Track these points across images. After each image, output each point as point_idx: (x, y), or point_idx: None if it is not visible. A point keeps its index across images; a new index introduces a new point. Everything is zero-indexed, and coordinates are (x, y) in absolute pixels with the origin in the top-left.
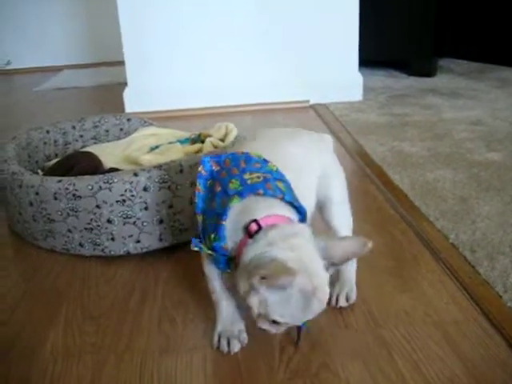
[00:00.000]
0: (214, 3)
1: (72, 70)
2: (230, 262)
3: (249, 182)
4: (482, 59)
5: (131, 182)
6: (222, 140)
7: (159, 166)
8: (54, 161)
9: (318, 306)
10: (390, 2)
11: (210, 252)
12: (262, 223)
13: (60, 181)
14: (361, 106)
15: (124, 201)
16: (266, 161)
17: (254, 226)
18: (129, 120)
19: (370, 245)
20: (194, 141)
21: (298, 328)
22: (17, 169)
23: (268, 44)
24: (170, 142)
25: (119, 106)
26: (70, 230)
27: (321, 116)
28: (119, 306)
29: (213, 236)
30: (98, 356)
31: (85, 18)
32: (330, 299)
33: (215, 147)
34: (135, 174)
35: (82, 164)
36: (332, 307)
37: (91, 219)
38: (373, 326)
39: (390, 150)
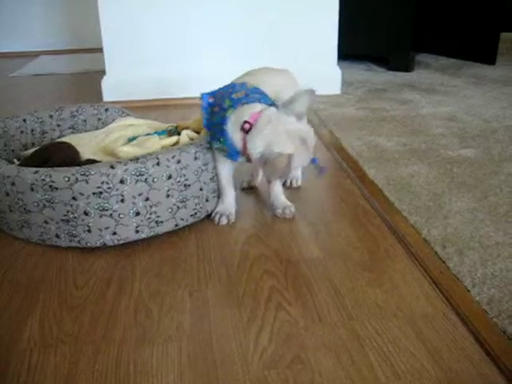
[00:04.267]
0: None
1: (49, 56)
2: (239, 154)
3: (235, 97)
4: (459, 55)
5: (108, 175)
6: (198, 132)
7: (136, 159)
8: (31, 150)
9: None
10: None
11: (223, 148)
12: (251, 121)
13: (37, 172)
14: (339, 100)
15: (100, 193)
16: (244, 83)
17: (246, 125)
18: (107, 110)
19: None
20: (171, 133)
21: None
22: None
23: (247, 36)
24: (148, 134)
25: (97, 95)
26: (46, 221)
27: None
28: (96, 297)
29: (221, 139)
30: (75, 346)
31: (63, 3)
32: (285, 183)
33: (191, 139)
34: (112, 167)
35: (59, 155)
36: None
37: (68, 211)
38: (346, 319)
39: (366, 144)
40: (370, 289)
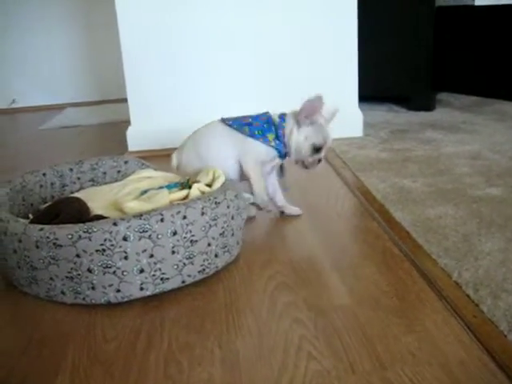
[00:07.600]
0: (217, 47)
1: (75, 108)
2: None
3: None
4: (479, 93)
5: (110, 232)
6: (209, 185)
7: (139, 215)
8: (47, 205)
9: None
10: (389, 39)
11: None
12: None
13: (42, 229)
14: (361, 142)
15: (104, 250)
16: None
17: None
18: (126, 162)
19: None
20: (182, 185)
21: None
22: (4, 215)
23: (267, 82)
24: (161, 187)
25: (122, 144)
26: (51, 278)
27: None
28: (125, 350)
29: (271, 136)
30: None
31: (88, 56)
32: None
33: (202, 193)
34: (115, 224)
35: (68, 211)
36: None
37: (71, 268)
38: (378, 368)
39: (391, 186)
40: (402, 336)
